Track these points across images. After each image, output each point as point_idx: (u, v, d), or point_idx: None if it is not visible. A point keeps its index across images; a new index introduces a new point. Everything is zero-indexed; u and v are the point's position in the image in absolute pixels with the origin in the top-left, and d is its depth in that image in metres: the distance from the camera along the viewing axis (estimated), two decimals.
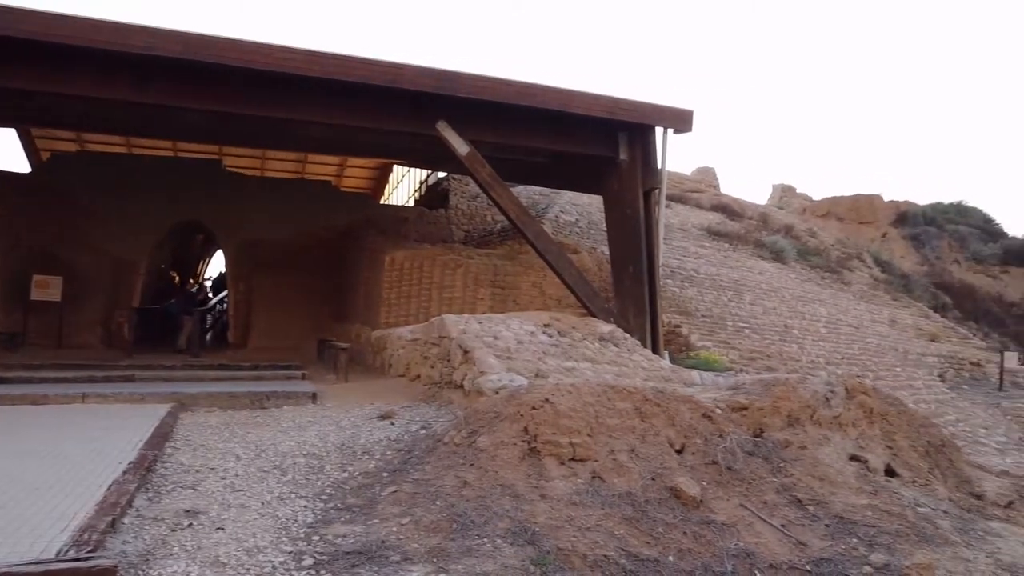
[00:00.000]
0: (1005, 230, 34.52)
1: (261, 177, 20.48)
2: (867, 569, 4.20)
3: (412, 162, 18.68)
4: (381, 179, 24.28)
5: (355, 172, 23.63)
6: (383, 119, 10.65)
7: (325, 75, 9.62)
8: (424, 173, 21.17)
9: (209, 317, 21.93)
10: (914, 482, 5.73)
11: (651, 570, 3.97)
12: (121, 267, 16.47)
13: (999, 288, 29.73)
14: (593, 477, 4.76)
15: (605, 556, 3.98)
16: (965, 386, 17.69)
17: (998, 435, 13.71)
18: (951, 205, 35.37)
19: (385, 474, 5.25)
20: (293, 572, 3.67)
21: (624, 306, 11.45)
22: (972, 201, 35.68)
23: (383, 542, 3.98)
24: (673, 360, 11.10)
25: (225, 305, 20.65)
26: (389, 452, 5.85)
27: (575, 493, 4.60)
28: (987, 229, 34.13)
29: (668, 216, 20.85)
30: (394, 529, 4.15)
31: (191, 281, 27.15)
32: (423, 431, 6.40)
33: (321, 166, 22.38)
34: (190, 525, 4.23)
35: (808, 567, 4.24)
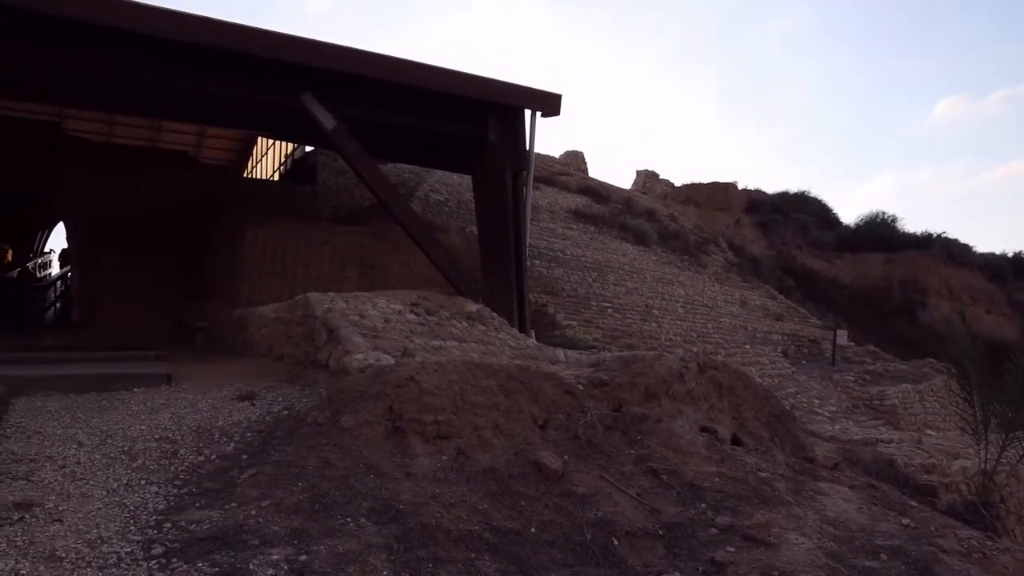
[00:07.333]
0: (840, 219, 37.74)
1: (107, 144, 18.94)
2: (713, 531, 4.48)
3: (277, 135, 17.88)
4: (244, 151, 23.09)
5: (216, 143, 22.31)
6: (242, 87, 10.08)
7: (168, 35, 8.88)
8: (290, 147, 20.37)
9: (51, 294, 20.24)
10: (756, 449, 6.17)
11: (513, 542, 4.06)
12: None
13: (834, 272, 32.52)
14: (458, 454, 4.80)
15: (469, 531, 4.03)
16: (804, 361, 19.25)
17: (830, 405, 15.06)
18: (796, 195, 38.16)
19: (245, 456, 5.06)
20: (141, 562, 3.47)
21: (492, 286, 11.53)
22: (814, 192, 38.40)
23: (241, 526, 3.84)
24: (539, 339, 11.34)
25: (68, 281, 19.11)
26: (249, 434, 5.64)
27: (440, 470, 4.62)
28: (825, 218, 37.17)
29: (536, 198, 21.20)
30: (253, 512, 4.02)
31: (31, 256, 24.97)
32: (285, 412, 6.21)
33: (177, 134, 20.88)
34: (21, 519, 3.90)
35: (661, 532, 4.47)
